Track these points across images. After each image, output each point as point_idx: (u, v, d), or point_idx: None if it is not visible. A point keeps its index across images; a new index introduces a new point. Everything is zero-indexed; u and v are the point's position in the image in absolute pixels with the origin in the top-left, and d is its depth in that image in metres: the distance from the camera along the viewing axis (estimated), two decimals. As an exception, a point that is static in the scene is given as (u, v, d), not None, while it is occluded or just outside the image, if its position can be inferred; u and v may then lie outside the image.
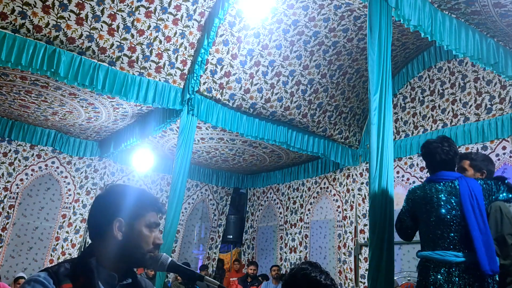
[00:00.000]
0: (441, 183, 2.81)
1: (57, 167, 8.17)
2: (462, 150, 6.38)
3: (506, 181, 2.78)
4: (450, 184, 2.78)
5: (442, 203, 2.73)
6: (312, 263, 1.71)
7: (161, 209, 1.49)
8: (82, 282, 1.29)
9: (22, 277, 6.60)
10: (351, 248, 7.52)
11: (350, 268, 7.45)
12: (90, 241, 1.46)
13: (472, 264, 2.55)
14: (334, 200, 8.23)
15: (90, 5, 4.91)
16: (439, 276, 2.60)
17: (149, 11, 5.24)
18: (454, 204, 2.70)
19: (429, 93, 7.04)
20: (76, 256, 1.43)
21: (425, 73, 7.15)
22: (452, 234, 2.66)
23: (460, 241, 2.63)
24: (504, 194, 2.75)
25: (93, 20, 5.02)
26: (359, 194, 7.69)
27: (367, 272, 3.47)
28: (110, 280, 1.37)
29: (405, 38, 6.49)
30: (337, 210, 8.11)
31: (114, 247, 1.38)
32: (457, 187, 2.73)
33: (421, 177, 6.83)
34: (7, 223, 7.52)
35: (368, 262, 3.28)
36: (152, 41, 5.49)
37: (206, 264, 9.38)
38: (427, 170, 3.03)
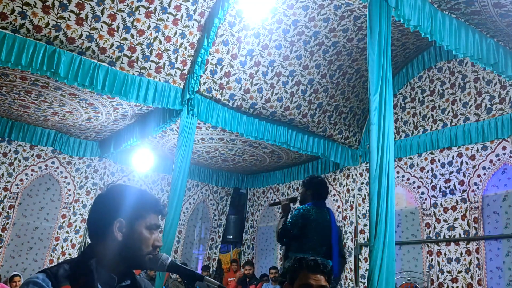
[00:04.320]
0: (323, 210, 3.89)
1: (57, 167, 8.17)
2: (462, 150, 6.39)
3: None
4: (326, 211, 3.90)
5: (324, 224, 3.79)
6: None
7: (162, 211, 1.47)
8: (81, 283, 1.28)
9: (17, 275, 6.60)
10: (351, 248, 7.52)
11: (350, 268, 7.45)
12: (89, 241, 1.45)
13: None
14: (334, 200, 8.22)
15: (90, 5, 4.91)
16: None
17: (149, 11, 5.24)
18: (328, 226, 3.82)
19: (429, 93, 7.04)
20: (75, 256, 1.41)
21: (425, 73, 7.15)
22: (325, 248, 3.76)
23: (330, 253, 3.77)
24: None
25: (93, 20, 5.02)
26: (359, 194, 7.69)
27: (367, 272, 3.48)
28: (109, 281, 1.35)
29: (405, 38, 6.49)
30: (337, 210, 8.10)
31: (114, 248, 1.36)
32: (329, 215, 3.89)
33: (421, 177, 6.84)
34: (7, 223, 7.52)
35: (368, 262, 3.30)
36: (152, 41, 5.49)
37: (207, 265, 9.38)
38: (315, 194, 3.97)
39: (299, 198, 4.14)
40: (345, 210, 7.91)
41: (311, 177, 4.11)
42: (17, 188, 7.71)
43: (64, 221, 8.10)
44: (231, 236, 9.87)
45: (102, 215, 1.40)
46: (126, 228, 1.37)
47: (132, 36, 5.34)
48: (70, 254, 8.02)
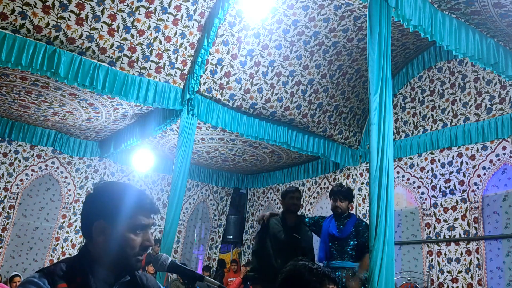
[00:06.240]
0: None
1: (57, 167, 8.17)
2: (462, 150, 6.38)
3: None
4: None
5: None
6: (302, 259, 1.72)
7: (152, 209, 1.41)
8: (77, 282, 1.27)
9: (17, 275, 6.59)
10: (351, 248, 7.51)
11: (350, 268, 7.44)
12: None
13: None
14: (334, 200, 8.21)
15: (90, 5, 4.91)
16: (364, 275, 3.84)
17: (149, 11, 5.24)
18: None
19: (429, 93, 7.04)
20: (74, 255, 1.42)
21: (425, 73, 7.15)
22: None
23: None
24: None
25: (93, 20, 5.02)
26: (359, 194, 7.69)
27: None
28: (107, 279, 1.35)
29: (405, 38, 6.49)
30: (337, 210, 8.09)
31: (100, 249, 1.35)
32: None
33: (421, 177, 6.84)
34: (7, 223, 7.52)
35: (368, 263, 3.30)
36: (152, 41, 5.49)
37: (208, 265, 9.37)
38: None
39: (337, 210, 4.10)
40: (345, 210, 7.90)
41: (349, 188, 4.22)
42: (17, 188, 7.71)
43: (64, 221, 8.11)
44: (231, 236, 9.87)
45: (87, 216, 1.37)
46: (107, 229, 1.34)
47: (132, 36, 5.34)
48: (70, 254, 8.02)
